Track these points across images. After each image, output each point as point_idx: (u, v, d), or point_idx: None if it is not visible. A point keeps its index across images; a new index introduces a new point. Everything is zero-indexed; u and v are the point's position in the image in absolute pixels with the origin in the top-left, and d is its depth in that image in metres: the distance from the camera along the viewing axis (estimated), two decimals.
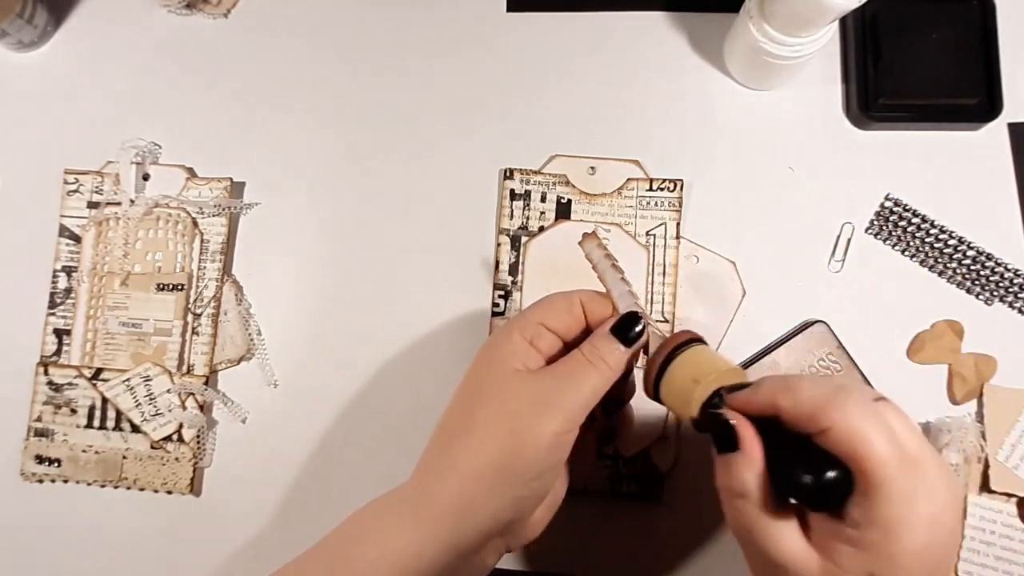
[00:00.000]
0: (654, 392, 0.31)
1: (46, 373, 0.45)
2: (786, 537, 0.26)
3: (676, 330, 0.43)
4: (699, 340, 0.31)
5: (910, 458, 0.24)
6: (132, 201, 0.46)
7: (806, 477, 0.25)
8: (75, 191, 0.47)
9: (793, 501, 0.27)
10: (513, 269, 0.45)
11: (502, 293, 0.45)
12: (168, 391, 0.44)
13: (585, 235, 0.33)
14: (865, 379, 0.42)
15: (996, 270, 0.43)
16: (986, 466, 0.40)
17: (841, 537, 0.25)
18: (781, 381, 0.27)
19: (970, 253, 0.43)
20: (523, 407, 0.30)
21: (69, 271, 0.46)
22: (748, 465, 0.27)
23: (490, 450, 0.30)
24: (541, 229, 0.45)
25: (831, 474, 0.25)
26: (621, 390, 0.35)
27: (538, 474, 0.30)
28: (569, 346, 0.32)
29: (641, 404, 0.43)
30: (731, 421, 0.27)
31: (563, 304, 0.32)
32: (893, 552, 0.24)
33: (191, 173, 0.47)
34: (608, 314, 0.32)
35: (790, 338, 0.42)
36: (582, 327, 0.33)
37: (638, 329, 0.31)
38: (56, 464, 0.44)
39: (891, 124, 0.45)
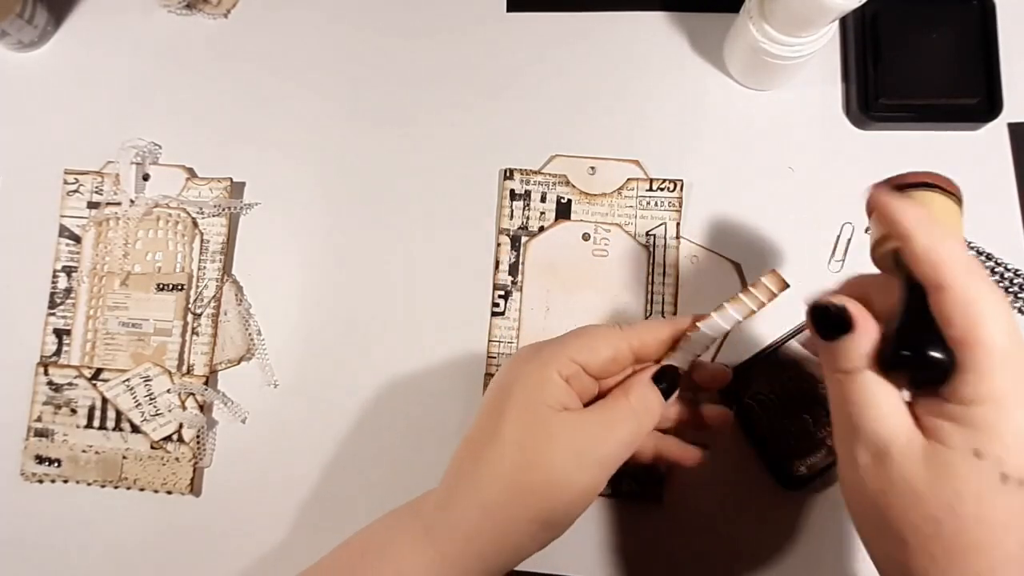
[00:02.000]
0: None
1: (46, 373, 0.45)
2: (891, 416, 0.26)
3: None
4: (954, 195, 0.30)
5: (1020, 338, 0.24)
6: (132, 201, 0.46)
7: (907, 351, 0.25)
8: (75, 191, 0.47)
9: (901, 377, 0.26)
10: (513, 269, 0.45)
11: (502, 293, 0.45)
12: (168, 391, 0.44)
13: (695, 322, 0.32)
14: None
15: (996, 270, 0.43)
16: None
17: (947, 414, 0.25)
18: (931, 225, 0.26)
19: (970, 253, 0.43)
20: (563, 457, 0.29)
21: (69, 271, 0.46)
22: (863, 341, 0.26)
23: (528, 502, 0.29)
24: (541, 229, 0.45)
25: (934, 353, 0.24)
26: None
27: (571, 520, 0.30)
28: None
29: None
30: (842, 304, 0.26)
31: (607, 347, 0.31)
32: (1002, 430, 0.24)
33: (191, 173, 0.47)
34: (657, 349, 0.32)
35: (790, 338, 0.42)
36: (622, 371, 0.32)
37: (671, 381, 0.31)
38: (56, 464, 0.44)
39: (891, 124, 0.45)
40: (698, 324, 0.32)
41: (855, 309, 0.26)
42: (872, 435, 0.26)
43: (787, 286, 0.31)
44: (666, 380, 0.31)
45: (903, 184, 0.29)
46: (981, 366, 0.24)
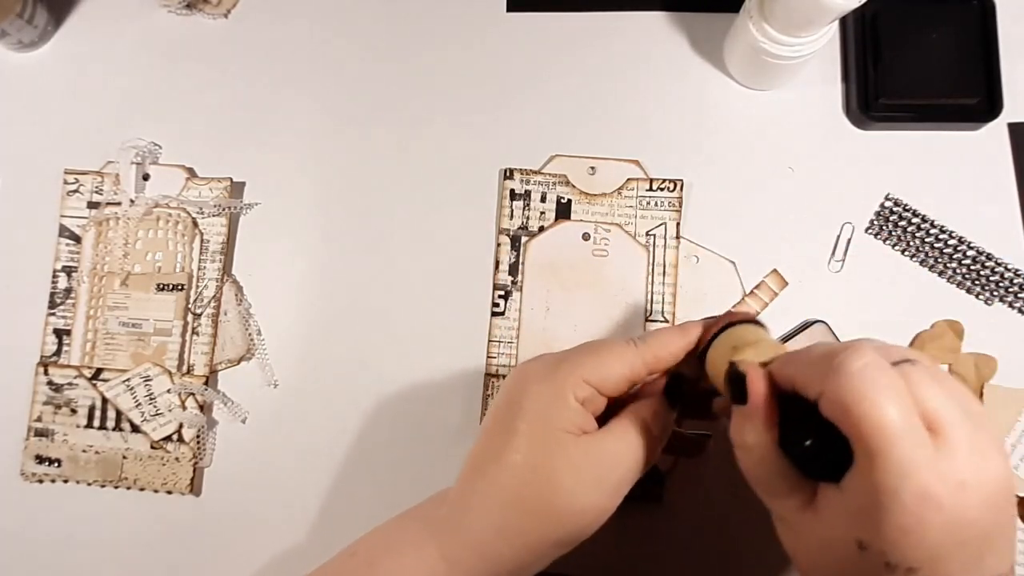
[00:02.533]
0: (699, 359, 0.30)
1: (46, 373, 0.45)
2: (781, 496, 0.26)
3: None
4: (757, 323, 0.30)
5: (923, 427, 0.23)
6: (132, 201, 0.46)
7: (794, 444, 0.25)
8: (75, 191, 0.47)
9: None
10: (513, 269, 0.45)
11: (502, 293, 0.45)
12: (168, 391, 0.44)
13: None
14: None
15: (996, 270, 0.43)
16: None
17: (835, 502, 0.24)
18: (794, 352, 0.26)
19: (970, 253, 0.43)
20: (582, 482, 0.29)
21: (69, 271, 0.46)
22: (750, 416, 0.26)
23: (545, 526, 0.29)
24: (541, 229, 0.45)
25: (808, 442, 0.25)
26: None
27: (584, 538, 0.30)
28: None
29: None
30: (744, 372, 0.27)
31: (623, 368, 0.30)
32: (879, 523, 0.23)
33: (191, 173, 0.47)
34: (671, 363, 0.31)
35: (790, 338, 0.42)
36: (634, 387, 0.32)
37: (680, 390, 0.31)
38: (56, 464, 0.44)
39: (891, 124, 0.45)
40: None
41: (753, 386, 0.27)
42: (770, 508, 0.27)
43: (786, 284, 0.31)
44: (677, 390, 0.31)
45: (721, 327, 0.30)
46: (861, 457, 0.23)
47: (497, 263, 0.45)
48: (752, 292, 0.31)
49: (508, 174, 0.46)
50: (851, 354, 0.24)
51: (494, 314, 0.45)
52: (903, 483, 0.22)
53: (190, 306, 0.45)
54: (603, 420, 0.31)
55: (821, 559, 0.26)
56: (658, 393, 0.31)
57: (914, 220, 0.44)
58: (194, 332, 0.45)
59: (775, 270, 0.31)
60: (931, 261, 0.44)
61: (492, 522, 0.30)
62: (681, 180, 0.45)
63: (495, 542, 0.29)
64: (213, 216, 0.46)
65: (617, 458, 0.29)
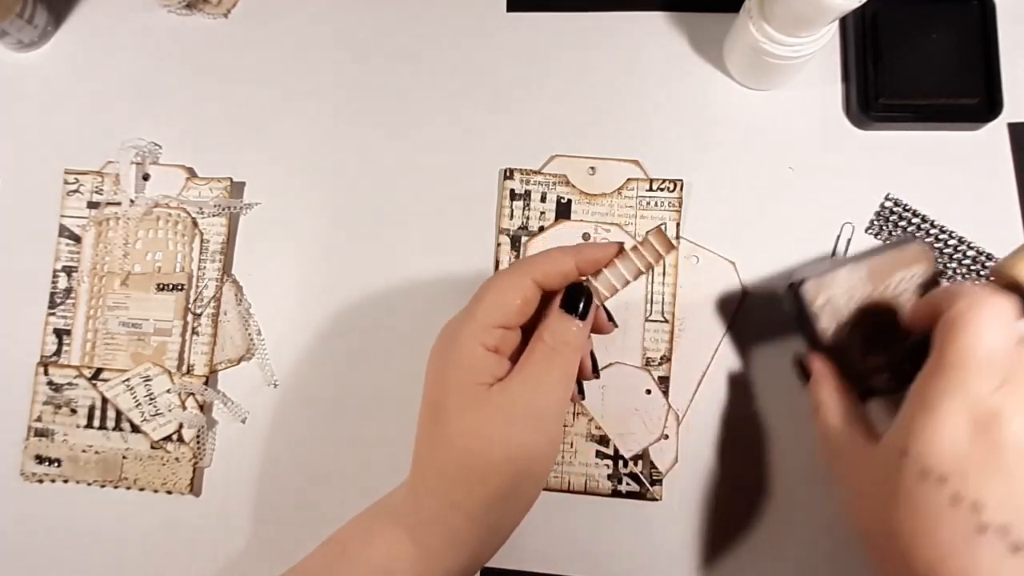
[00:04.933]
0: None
1: (46, 373, 0.45)
2: (845, 434, 0.32)
3: (676, 329, 0.43)
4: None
5: (999, 376, 0.27)
6: (132, 201, 0.46)
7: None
8: (75, 191, 0.47)
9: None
10: None
11: None
12: (168, 391, 0.44)
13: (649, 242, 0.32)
14: None
15: None
16: None
17: (889, 416, 0.29)
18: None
19: (970, 253, 0.43)
20: (512, 427, 0.29)
21: (69, 271, 0.46)
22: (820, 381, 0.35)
23: (495, 481, 0.29)
24: (541, 229, 0.45)
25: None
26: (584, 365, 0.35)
27: (544, 475, 0.31)
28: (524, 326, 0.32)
29: (642, 403, 0.43)
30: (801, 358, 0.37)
31: (515, 296, 0.30)
32: (921, 427, 0.27)
33: (191, 173, 0.47)
34: (563, 281, 0.31)
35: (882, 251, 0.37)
36: (536, 307, 0.32)
37: (584, 300, 0.30)
38: (56, 464, 0.44)
39: (891, 124, 0.45)
40: (592, 280, 0.32)
41: (814, 362, 0.35)
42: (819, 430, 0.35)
43: (673, 248, 0.32)
44: (576, 302, 0.30)
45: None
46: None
47: (497, 263, 0.45)
48: (635, 248, 0.31)
49: (508, 174, 0.46)
50: (1000, 299, 0.28)
51: None
52: (956, 393, 0.26)
53: (190, 306, 0.45)
54: (520, 352, 0.31)
55: (872, 481, 0.29)
56: (555, 310, 0.31)
57: (914, 220, 0.44)
58: (194, 332, 0.45)
59: (659, 228, 0.32)
60: None
61: (445, 497, 0.30)
62: (681, 180, 0.45)
63: (453, 516, 0.30)
64: (213, 216, 0.46)
65: (534, 391, 0.29)
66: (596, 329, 0.33)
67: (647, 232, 0.32)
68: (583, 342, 0.31)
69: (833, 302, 0.35)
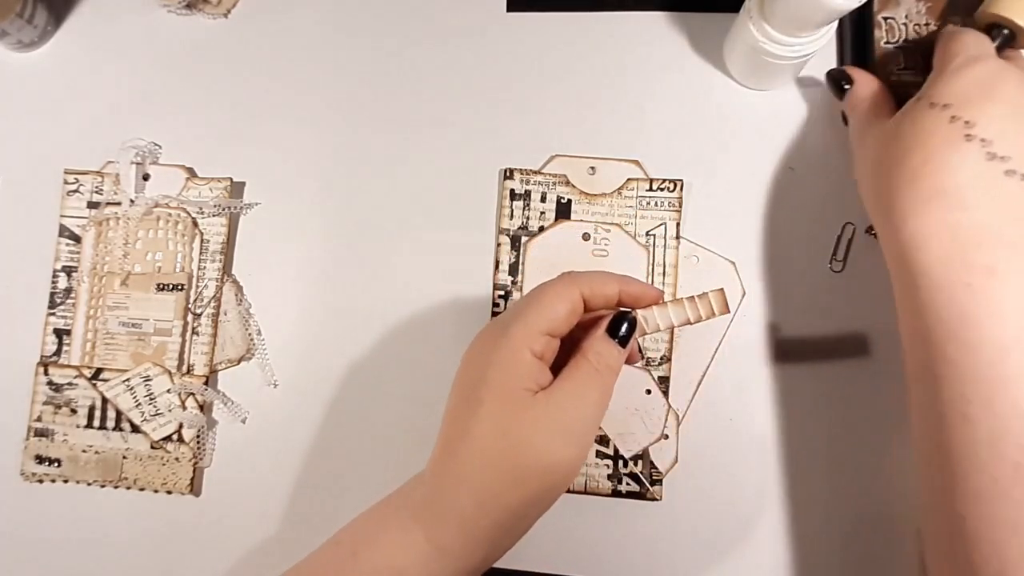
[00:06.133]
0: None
1: (46, 373, 0.45)
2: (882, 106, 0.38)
3: (676, 330, 0.43)
4: None
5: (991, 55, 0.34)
6: (132, 201, 0.46)
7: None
8: (75, 191, 0.47)
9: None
10: (513, 269, 0.45)
11: (502, 293, 0.45)
12: (168, 391, 0.44)
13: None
14: None
15: None
16: None
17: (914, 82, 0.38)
18: None
19: None
20: (549, 438, 0.29)
21: (69, 271, 0.46)
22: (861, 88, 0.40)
23: (521, 487, 0.29)
24: (541, 229, 0.45)
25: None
26: None
27: (563, 491, 0.31)
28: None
29: (641, 403, 0.43)
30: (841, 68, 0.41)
31: (564, 305, 0.31)
32: (933, 79, 0.35)
33: (191, 173, 0.47)
34: (604, 303, 0.32)
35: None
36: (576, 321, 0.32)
37: (627, 328, 0.31)
38: (56, 464, 0.44)
39: None
40: (640, 312, 0.33)
41: (854, 71, 0.40)
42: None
43: (728, 311, 0.33)
44: (621, 328, 0.31)
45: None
46: None
47: (497, 263, 0.45)
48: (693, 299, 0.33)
49: (508, 174, 0.46)
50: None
51: (494, 314, 0.45)
52: (962, 53, 0.34)
53: (190, 306, 0.45)
54: (555, 363, 0.32)
55: (886, 140, 0.34)
56: (601, 333, 0.31)
57: None
58: (194, 332, 0.45)
59: (721, 290, 0.33)
60: None
61: (470, 496, 0.30)
62: (681, 180, 0.45)
63: (475, 515, 0.30)
64: (213, 216, 0.46)
65: (574, 406, 0.30)
66: (627, 358, 0.34)
67: (710, 290, 0.33)
68: (620, 367, 0.32)
69: (897, 17, 0.41)
